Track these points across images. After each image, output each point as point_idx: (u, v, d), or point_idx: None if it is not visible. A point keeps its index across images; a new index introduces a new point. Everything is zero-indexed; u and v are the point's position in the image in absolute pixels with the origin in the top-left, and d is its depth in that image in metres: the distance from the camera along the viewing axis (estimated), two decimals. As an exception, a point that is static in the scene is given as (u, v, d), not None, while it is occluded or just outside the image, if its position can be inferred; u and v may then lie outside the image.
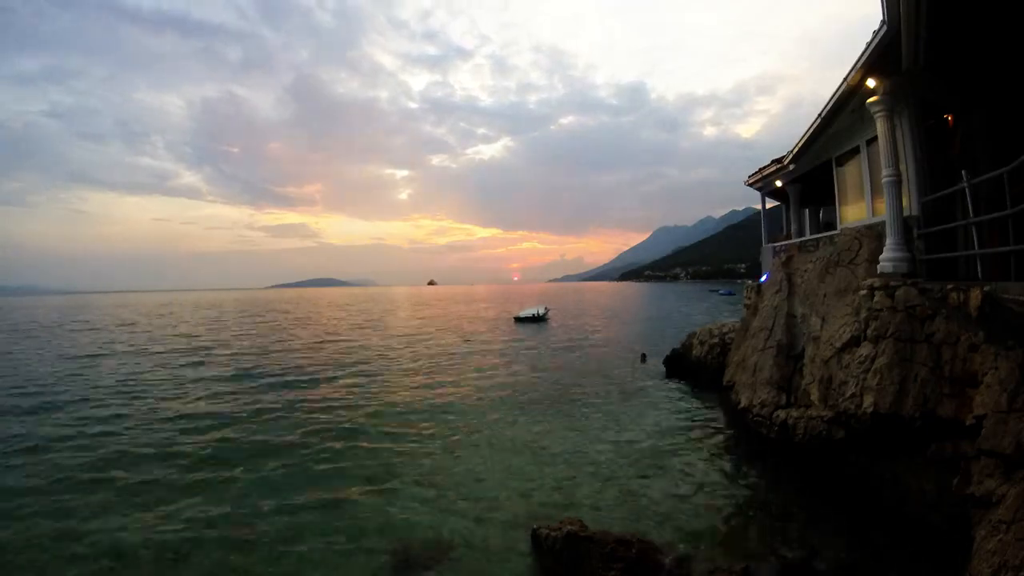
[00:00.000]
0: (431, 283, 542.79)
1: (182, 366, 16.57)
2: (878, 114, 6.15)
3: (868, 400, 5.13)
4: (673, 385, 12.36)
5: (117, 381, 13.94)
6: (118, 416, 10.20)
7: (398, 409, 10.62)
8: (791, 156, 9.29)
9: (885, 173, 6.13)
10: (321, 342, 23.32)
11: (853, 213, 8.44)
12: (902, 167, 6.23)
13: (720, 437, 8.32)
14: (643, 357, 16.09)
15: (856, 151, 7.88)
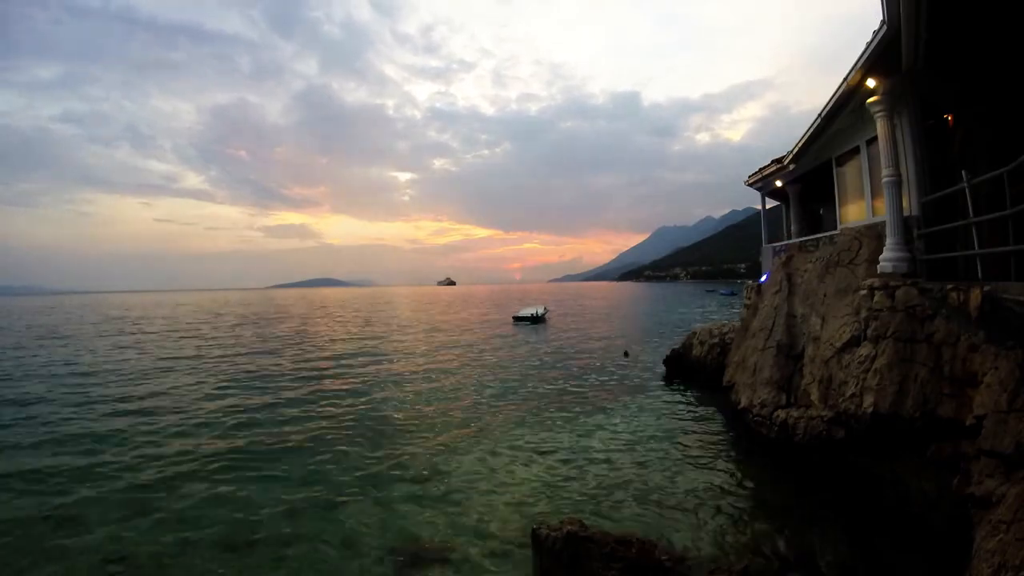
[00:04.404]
0: (448, 283, 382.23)
1: (181, 366, 16.58)
2: (878, 114, 6.14)
3: (868, 400, 5.13)
4: (673, 385, 12.36)
5: (117, 376, 13.96)
6: (110, 416, 10.21)
7: (397, 410, 10.61)
8: (791, 156, 9.28)
9: (885, 173, 6.13)
10: (317, 343, 23.30)
11: (853, 213, 8.44)
12: (902, 167, 6.22)
13: (720, 437, 8.31)
14: (625, 353, 16.95)
15: (856, 151, 7.87)
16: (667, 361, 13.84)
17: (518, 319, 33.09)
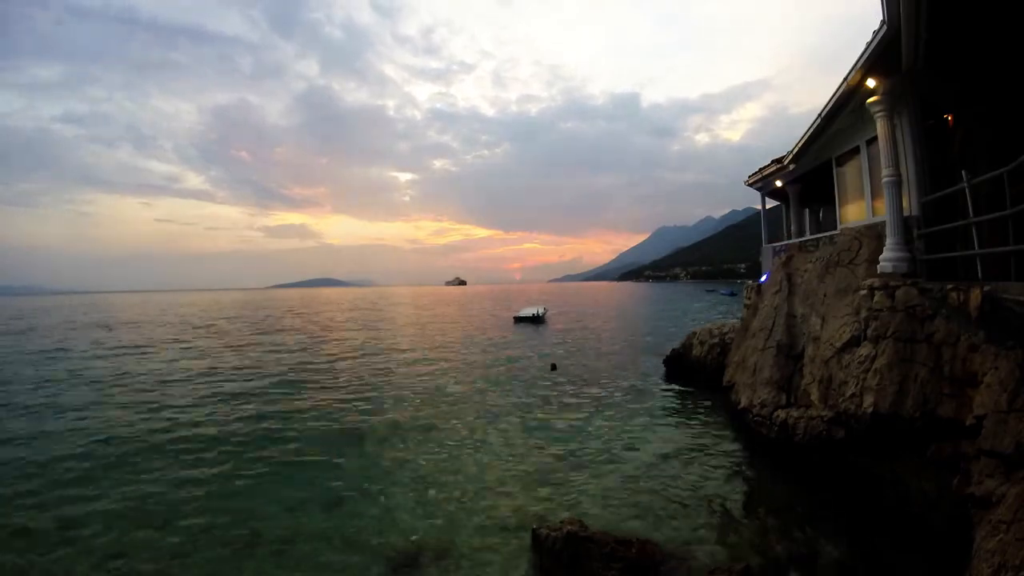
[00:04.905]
0: (459, 282, 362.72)
1: (179, 365, 16.59)
2: (878, 114, 6.15)
3: (868, 400, 5.13)
4: (673, 385, 12.36)
5: (119, 375, 13.96)
6: (114, 412, 10.21)
7: (397, 411, 10.61)
8: (791, 156, 9.28)
9: (885, 173, 6.13)
10: (319, 344, 23.30)
11: (853, 213, 8.44)
12: (902, 167, 6.22)
13: (720, 437, 8.31)
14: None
15: (856, 151, 7.87)
16: (667, 361, 13.84)
17: (519, 319, 33.10)
